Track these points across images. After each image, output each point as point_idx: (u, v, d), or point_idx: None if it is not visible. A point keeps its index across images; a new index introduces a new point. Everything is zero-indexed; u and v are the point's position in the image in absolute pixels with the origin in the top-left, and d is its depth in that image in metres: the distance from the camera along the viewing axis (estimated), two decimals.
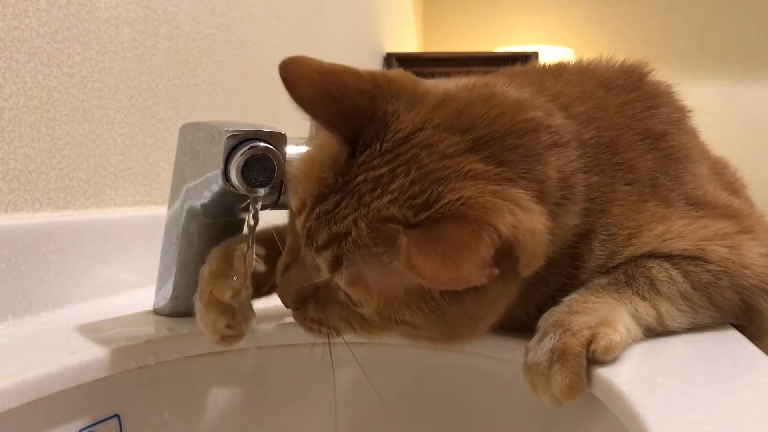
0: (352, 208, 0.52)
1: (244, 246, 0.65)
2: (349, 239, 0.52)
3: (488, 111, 0.55)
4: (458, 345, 0.61)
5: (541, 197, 0.53)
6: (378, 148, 0.53)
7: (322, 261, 0.54)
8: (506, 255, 0.48)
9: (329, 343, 0.59)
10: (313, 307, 0.58)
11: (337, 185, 0.54)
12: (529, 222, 0.50)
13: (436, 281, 0.48)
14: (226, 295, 0.63)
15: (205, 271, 0.65)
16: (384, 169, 0.52)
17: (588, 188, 0.59)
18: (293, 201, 0.57)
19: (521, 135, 0.55)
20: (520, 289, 0.57)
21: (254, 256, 0.65)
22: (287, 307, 0.60)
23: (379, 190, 0.52)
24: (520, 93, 0.59)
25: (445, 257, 0.47)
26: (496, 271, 0.48)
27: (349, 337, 0.60)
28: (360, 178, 0.53)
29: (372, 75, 0.55)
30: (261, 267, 0.67)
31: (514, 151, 0.54)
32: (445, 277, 0.47)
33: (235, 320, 0.64)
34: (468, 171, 0.51)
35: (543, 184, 0.54)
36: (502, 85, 0.60)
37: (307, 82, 0.54)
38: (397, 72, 0.58)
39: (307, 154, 0.59)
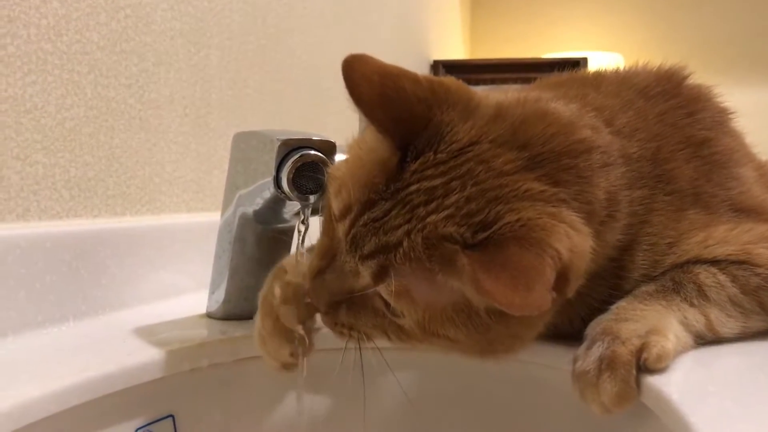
0: (404, 219, 0.51)
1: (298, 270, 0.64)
2: (400, 251, 0.50)
3: (544, 129, 0.54)
4: (491, 361, 0.60)
5: (588, 218, 0.53)
6: (432, 157, 0.52)
7: (366, 270, 0.52)
8: (560, 278, 0.48)
9: (359, 348, 0.59)
10: (346, 312, 0.57)
11: (387, 192, 0.52)
12: (582, 245, 0.50)
13: (511, 306, 0.46)
14: (293, 323, 0.63)
15: (268, 294, 0.64)
16: (438, 181, 0.51)
17: (631, 204, 0.59)
18: (336, 204, 0.55)
19: (575, 155, 0.54)
20: (560, 307, 0.57)
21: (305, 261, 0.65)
22: (319, 310, 0.59)
23: (434, 204, 0.51)
24: (570, 110, 0.59)
25: (515, 281, 0.45)
26: (554, 294, 0.47)
27: (381, 343, 0.59)
28: (413, 187, 0.51)
29: (429, 81, 0.55)
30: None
31: (568, 172, 0.53)
32: (519, 302, 0.45)
33: (298, 348, 0.64)
34: (526, 191, 0.51)
35: (591, 206, 0.54)
36: (551, 99, 0.60)
37: (368, 83, 0.53)
38: (452, 80, 0.57)
39: (356, 156, 0.57)
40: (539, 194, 0.51)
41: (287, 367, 0.64)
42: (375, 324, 0.57)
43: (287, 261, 0.68)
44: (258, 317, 0.65)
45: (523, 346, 0.58)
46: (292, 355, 0.64)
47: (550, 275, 0.46)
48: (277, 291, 0.64)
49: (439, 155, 0.52)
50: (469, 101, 0.55)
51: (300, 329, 0.63)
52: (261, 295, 0.66)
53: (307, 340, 0.64)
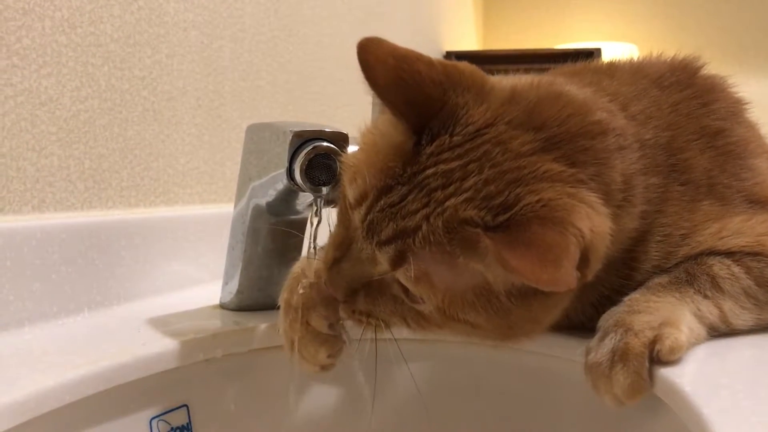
0: (422, 203, 0.51)
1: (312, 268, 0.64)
2: (419, 235, 0.50)
3: (559, 110, 0.54)
4: (511, 344, 0.60)
5: (606, 200, 0.53)
6: (447, 140, 0.52)
7: (383, 255, 0.52)
8: (582, 258, 0.48)
9: (375, 339, 0.59)
10: (363, 299, 0.57)
11: (403, 176, 0.52)
12: (602, 226, 0.50)
13: (539, 281, 0.46)
14: (324, 326, 0.63)
15: (291, 299, 0.64)
16: (455, 164, 0.51)
17: (646, 190, 0.59)
18: (351, 192, 0.55)
19: (592, 137, 0.54)
20: (578, 291, 0.57)
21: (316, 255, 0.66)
22: (338, 299, 0.58)
23: (452, 187, 0.51)
24: (584, 93, 0.59)
25: (543, 258, 0.46)
26: (578, 273, 0.47)
27: (399, 332, 0.59)
28: (429, 171, 0.51)
29: (444, 65, 0.55)
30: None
31: (585, 153, 0.53)
32: (547, 278, 0.46)
33: (334, 348, 0.64)
34: (544, 171, 0.51)
35: (609, 187, 0.54)
36: (565, 83, 0.60)
37: (382, 66, 0.53)
38: (465, 64, 0.57)
39: (371, 142, 0.57)
40: (558, 175, 0.51)
41: (326, 368, 0.64)
42: (393, 311, 0.56)
43: (302, 263, 0.67)
44: (284, 323, 0.65)
45: (542, 331, 0.58)
46: (330, 356, 0.64)
47: (575, 252, 0.46)
48: (302, 295, 0.64)
49: (454, 138, 0.52)
50: (484, 84, 0.55)
51: (331, 331, 0.63)
52: (282, 300, 0.65)
53: (342, 339, 0.64)
